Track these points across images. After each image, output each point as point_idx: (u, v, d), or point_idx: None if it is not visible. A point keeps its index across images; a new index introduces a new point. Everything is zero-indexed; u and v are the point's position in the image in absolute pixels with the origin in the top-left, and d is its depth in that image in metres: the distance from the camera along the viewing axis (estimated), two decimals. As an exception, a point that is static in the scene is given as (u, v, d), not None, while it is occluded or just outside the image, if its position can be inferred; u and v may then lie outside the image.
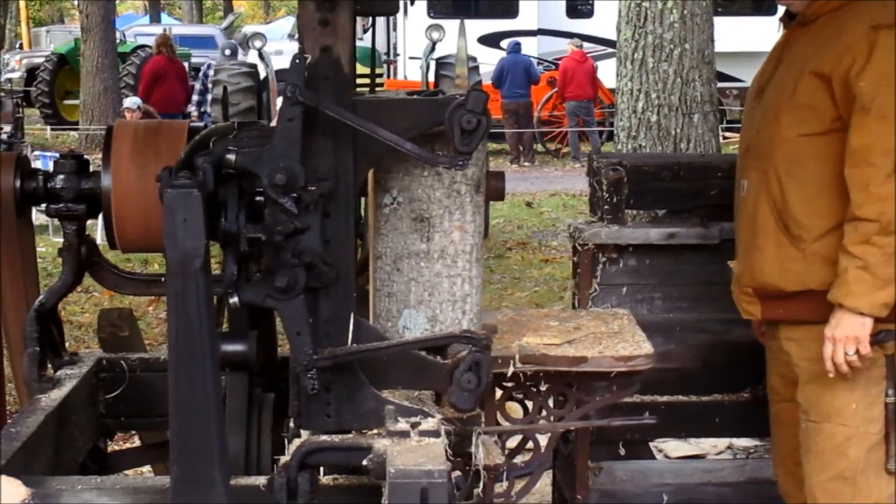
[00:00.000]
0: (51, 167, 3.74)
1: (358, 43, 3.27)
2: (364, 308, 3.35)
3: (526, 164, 21.27)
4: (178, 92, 19.98)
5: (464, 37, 3.98)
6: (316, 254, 3.01)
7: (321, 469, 3.11)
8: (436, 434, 2.92)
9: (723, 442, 6.22)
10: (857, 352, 3.53)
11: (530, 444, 3.51)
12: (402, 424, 2.95)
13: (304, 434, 3.09)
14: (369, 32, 17.10)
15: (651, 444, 5.17)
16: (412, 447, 2.86)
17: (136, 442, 5.54)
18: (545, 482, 4.70)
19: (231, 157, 2.97)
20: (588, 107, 21.46)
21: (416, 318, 3.23)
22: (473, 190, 3.23)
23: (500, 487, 3.42)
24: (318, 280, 3.04)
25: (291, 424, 3.15)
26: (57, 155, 4.03)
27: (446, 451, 2.85)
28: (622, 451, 4.55)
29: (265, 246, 2.99)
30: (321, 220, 3.02)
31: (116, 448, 5.34)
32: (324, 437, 3.03)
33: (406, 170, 3.18)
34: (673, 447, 6.09)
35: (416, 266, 3.22)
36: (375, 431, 3.02)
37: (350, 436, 3.04)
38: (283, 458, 2.98)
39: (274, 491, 2.91)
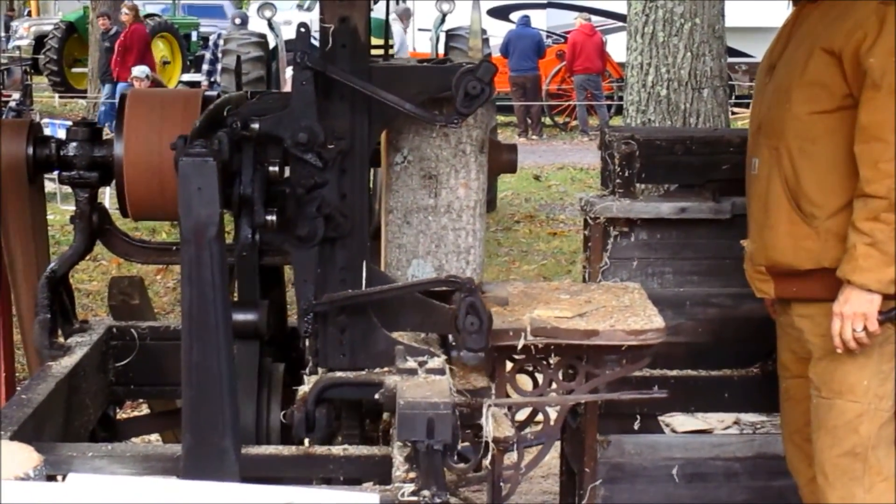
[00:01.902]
0: (59, 135, 3.74)
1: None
2: (377, 262, 3.56)
3: (534, 137, 21.23)
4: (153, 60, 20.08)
5: (478, 9, 4.08)
6: (334, 206, 3.25)
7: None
8: (441, 372, 3.14)
9: (729, 417, 6.23)
10: (866, 328, 3.53)
11: (540, 417, 3.51)
12: (411, 363, 3.18)
13: (321, 372, 3.32)
14: (381, 4, 17.03)
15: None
16: (420, 383, 3.08)
17: (144, 410, 5.56)
18: (553, 455, 4.71)
19: (255, 125, 3.16)
20: (597, 80, 21.42)
21: (424, 267, 3.48)
22: (478, 150, 3.45)
23: (509, 459, 3.43)
24: (336, 230, 3.28)
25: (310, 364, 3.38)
26: (66, 123, 4.03)
27: (450, 387, 3.03)
28: (636, 425, 4.54)
29: (288, 199, 3.20)
30: (338, 176, 3.26)
31: (125, 416, 5.36)
32: (339, 374, 3.27)
33: (416, 131, 3.42)
34: (679, 422, 6.10)
35: (425, 220, 3.47)
36: (386, 369, 3.24)
37: (363, 372, 3.27)
38: (301, 391, 3.20)
39: (293, 425, 3.12)
